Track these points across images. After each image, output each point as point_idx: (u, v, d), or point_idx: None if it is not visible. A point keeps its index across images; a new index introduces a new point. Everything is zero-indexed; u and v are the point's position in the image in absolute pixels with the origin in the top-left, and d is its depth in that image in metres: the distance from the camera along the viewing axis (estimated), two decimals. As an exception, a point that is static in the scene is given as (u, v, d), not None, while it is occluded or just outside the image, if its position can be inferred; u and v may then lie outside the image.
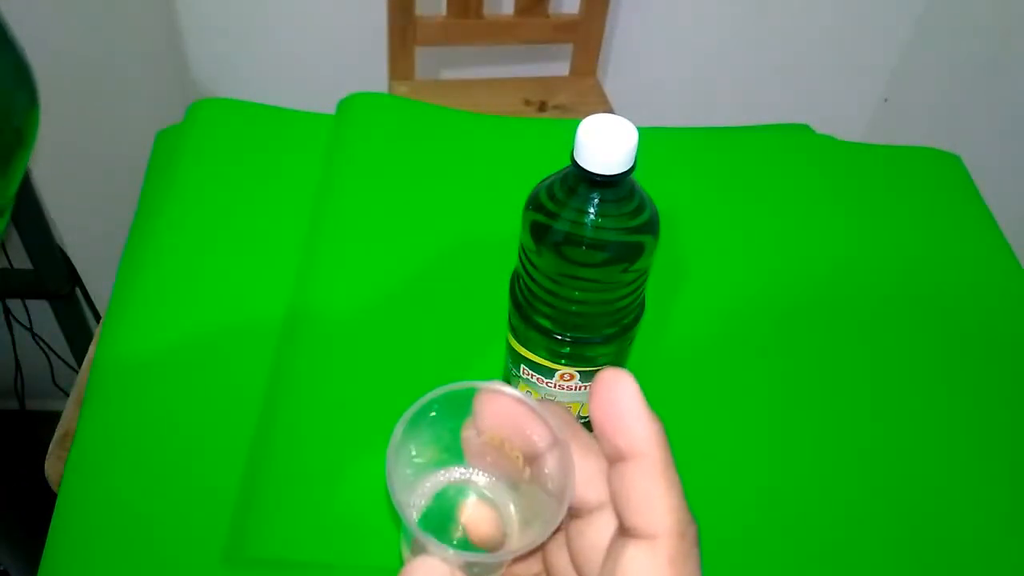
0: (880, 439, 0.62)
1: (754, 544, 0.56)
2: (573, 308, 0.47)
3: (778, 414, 0.63)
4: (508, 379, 0.55)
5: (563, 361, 0.51)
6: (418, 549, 0.26)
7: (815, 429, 0.62)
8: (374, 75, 1.31)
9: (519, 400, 0.27)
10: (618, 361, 0.53)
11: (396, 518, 0.33)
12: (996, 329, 0.69)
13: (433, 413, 0.28)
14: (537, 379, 0.52)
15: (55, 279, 1.23)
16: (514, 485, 0.29)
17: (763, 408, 0.63)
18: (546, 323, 0.49)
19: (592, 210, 0.44)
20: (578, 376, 0.51)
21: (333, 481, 0.57)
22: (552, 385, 0.52)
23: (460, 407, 0.28)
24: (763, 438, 0.61)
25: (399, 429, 0.27)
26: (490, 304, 0.61)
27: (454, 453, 0.29)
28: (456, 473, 0.29)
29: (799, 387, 0.64)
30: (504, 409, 0.27)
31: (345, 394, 0.61)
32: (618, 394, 0.25)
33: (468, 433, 0.28)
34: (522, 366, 0.53)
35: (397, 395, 0.61)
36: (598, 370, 0.52)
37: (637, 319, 0.51)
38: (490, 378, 0.59)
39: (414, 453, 0.28)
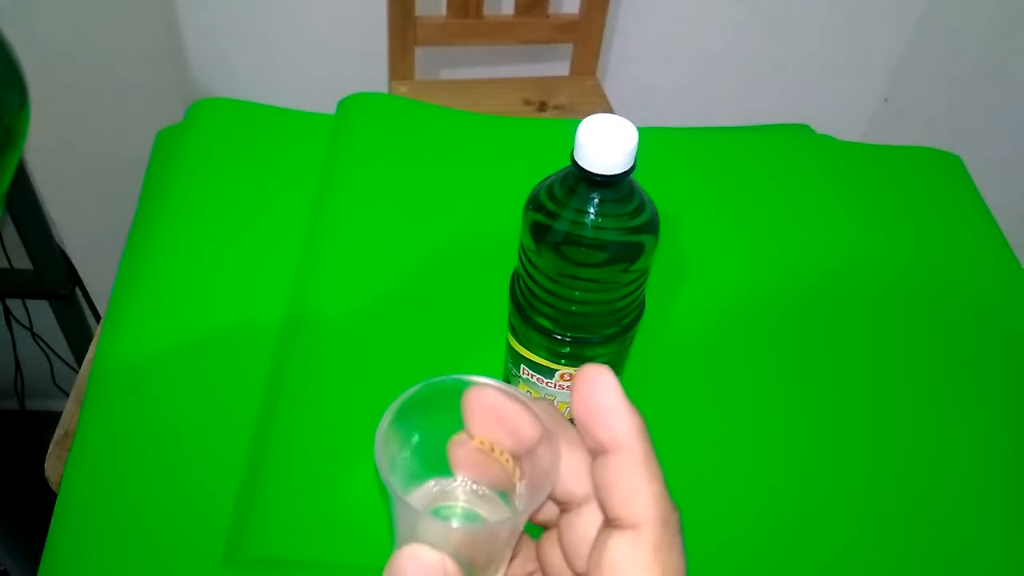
0: (880, 439, 0.62)
1: (754, 543, 0.56)
2: (573, 308, 0.47)
3: (778, 414, 0.63)
4: (508, 379, 0.55)
5: (563, 361, 0.51)
6: (405, 539, 0.26)
7: (815, 429, 0.62)
8: (374, 75, 1.31)
9: (506, 394, 0.27)
10: (618, 361, 0.53)
11: (389, 513, 0.32)
12: (996, 329, 0.69)
13: (418, 426, 0.28)
14: (537, 379, 0.52)
15: (55, 279, 1.23)
16: (505, 493, 0.29)
17: (763, 408, 0.63)
18: (546, 323, 0.49)
19: (592, 210, 0.44)
20: (578, 376, 0.51)
21: (333, 481, 0.57)
22: (552, 385, 0.52)
23: (447, 406, 0.28)
24: (763, 438, 0.61)
25: (386, 418, 0.27)
26: (490, 304, 0.61)
27: (443, 462, 0.29)
28: (446, 484, 0.29)
29: (799, 387, 0.64)
30: (492, 403, 0.27)
31: (345, 394, 0.61)
32: (598, 389, 0.26)
33: (458, 438, 0.28)
34: (522, 366, 0.53)
35: (396, 395, 0.61)
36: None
37: (637, 319, 0.51)
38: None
39: (403, 456, 0.28)
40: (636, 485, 0.25)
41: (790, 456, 0.60)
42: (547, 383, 0.52)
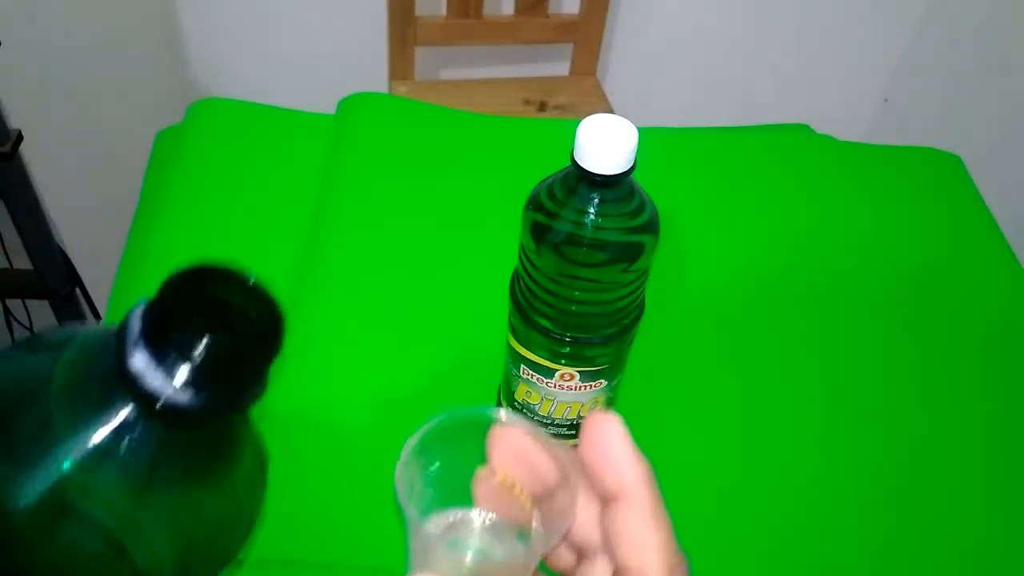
0: (878, 439, 0.62)
1: (754, 543, 0.56)
2: (573, 308, 0.47)
3: (778, 414, 0.63)
4: (508, 379, 0.55)
5: (563, 361, 0.51)
6: (418, 565, 0.26)
7: (815, 429, 0.62)
8: (374, 75, 1.31)
9: (530, 434, 0.27)
10: (618, 361, 0.53)
11: (404, 538, 0.31)
12: (996, 329, 0.69)
13: (439, 455, 0.28)
14: (537, 379, 0.52)
15: (55, 279, 1.23)
16: (522, 532, 0.29)
17: (763, 408, 0.63)
18: (546, 323, 0.49)
19: (592, 210, 0.44)
20: (578, 376, 0.51)
21: (333, 481, 0.57)
22: (552, 385, 0.52)
23: (469, 437, 0.28)
24: (763, 437, 0.61)
25: (408, 447, 0.27)
26: (490, 304, 0.61)
27: (462, 492, 0.29)
28: (464, 515, 0.29)
29: (798, 387, 0.64)
30: (516, 443, 0.28)
31: (345, 394, 0.61)
32: (606, 437, 0.26)
33: (482, 472, 0.28)
34: (522, 366, 0.53)
35: (397, 395, 0.61)
36: (598, 370, 0.52)
37: (637, 319, 0.51)
38: (489, 381, 0.59)
39: (422, 483, 0.28)
40: (642, 533, 0.25)
41: (790, 455, 0.60)
42: (547, 383, 0.52)
